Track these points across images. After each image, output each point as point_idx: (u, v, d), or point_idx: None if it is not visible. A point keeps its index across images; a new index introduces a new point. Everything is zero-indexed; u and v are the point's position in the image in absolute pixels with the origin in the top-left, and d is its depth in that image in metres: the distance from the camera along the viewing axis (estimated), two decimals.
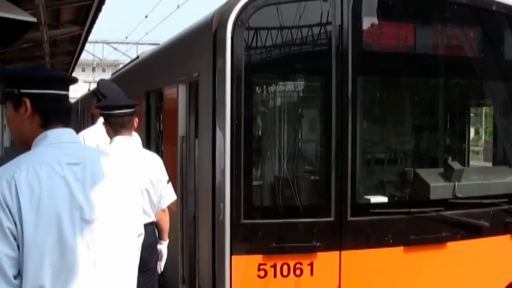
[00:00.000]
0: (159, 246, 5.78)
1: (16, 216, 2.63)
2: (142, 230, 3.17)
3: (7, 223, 2.62)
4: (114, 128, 5.47)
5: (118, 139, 5.42)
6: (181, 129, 7.02)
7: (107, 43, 49.49)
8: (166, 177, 5.63)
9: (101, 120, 6.52)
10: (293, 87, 6.22)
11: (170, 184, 5.70)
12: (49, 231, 2.67)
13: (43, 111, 2.91)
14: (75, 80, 3.11)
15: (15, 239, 2.63)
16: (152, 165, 5.51)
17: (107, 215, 2.83)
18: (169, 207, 5.76)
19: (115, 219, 2.87)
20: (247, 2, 5.37)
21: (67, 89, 2.98)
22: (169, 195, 5.66)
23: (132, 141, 5.48)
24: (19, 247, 2.64)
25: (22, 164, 2.74)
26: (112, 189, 2.90)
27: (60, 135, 2.90)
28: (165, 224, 5.76)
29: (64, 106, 2.97)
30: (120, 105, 5.49)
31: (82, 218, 2.74)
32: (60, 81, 2.98)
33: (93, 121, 9.67)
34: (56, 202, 2.71)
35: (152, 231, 5.59)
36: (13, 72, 3.01)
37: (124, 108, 5.50)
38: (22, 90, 2.88)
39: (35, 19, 11.83)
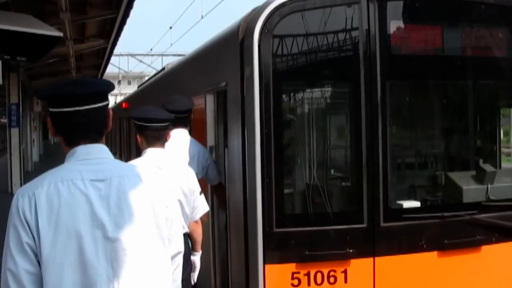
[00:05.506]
0: (192, 257, 5.77)
1: (34, 231, 2.63)
2: (181, 248, 3.13)
3: (26, 239, 2.63)
4: (149, 140, 5.40)
5: (150, 150, 5.39)
6: (210, 139, 7.03)
7: (132, 55, 50.00)
8: (198, 188, 5.60)
9: None
10: (322, 93, 6.18)
11: (202, 195, 5.68)
12: (68, 248, 2.64)
13: (63, 129, 2.87)
14: (93, 93, 2.86)
15: (36, 255, 2.63)
16: (185, 176, 5.48)
17: (133, 234, 2.75)
18: (200, 218, 5.75)
19: (142, 238, 2.78)
20: (273, 10, 5.36)
21: (92, 103, 2.83)
22: (202, 206, 5.65)
23: (164, 153, 5.46)
24: (40, 263, 2.63)
25: (45, 180, 2.74)
26: (140, 207, 2.80)
27: (89, 151, 2.85)
28: (198, 236, 5.75)
29: (91, 121, 2.85)
30: (159, 119, 5.42)
31: (104, 236, 2.69)
32: (73, 97, 2.81)
33: None
34: (76, 219, 2.67)
35: (185, 242, 5.58)
36: (41, 89, 2.98)
37: (162, 122, 5.43)
38: (49, 108, 2.86)
39: (61, 34, 11.96)
